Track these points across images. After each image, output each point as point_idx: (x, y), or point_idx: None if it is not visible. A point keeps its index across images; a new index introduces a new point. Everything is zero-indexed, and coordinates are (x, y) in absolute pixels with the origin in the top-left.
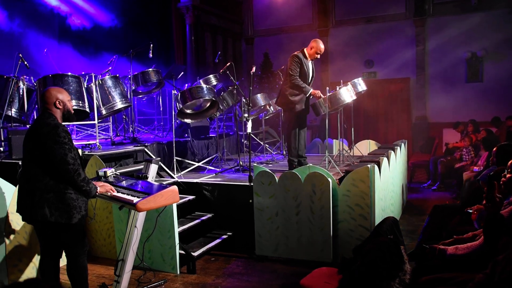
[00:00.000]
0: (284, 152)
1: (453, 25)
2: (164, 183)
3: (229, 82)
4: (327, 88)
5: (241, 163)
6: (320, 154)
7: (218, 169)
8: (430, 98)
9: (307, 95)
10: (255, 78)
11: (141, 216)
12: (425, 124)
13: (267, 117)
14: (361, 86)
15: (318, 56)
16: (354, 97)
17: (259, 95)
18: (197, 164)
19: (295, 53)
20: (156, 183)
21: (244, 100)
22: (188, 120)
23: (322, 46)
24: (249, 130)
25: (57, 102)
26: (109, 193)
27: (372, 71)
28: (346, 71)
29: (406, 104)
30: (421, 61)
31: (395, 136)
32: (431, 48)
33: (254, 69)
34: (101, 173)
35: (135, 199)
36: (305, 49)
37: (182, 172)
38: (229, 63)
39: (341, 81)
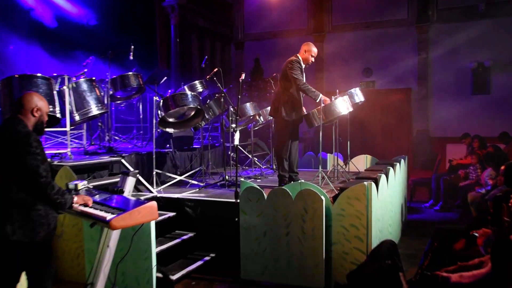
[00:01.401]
0: (274, 166)
1: (459, 32)
2: (142, 198)
3: (216, 89)
4: (337, 91)
5: (227, 177)
6: (313, 170)
7: (201, 184)
8: (433, 111)
9: (317, 101)
10: (244, 86)
11: (114, 235)
12: (427, 138)
13: (256, 128)
14: (359, 96)
15: (313, 60)
16: (351, 109)
17: (248, 104)
18: (179, 178)
19: (293, 58)
20: (133, 198)
21: (231, 109)
22: (170, 130)
23: (315, 49)
24: (236, 141)
25: (35, 109)
26: (84, 206)
27: (371, 81)
28: (342, 80)
29: (407, 117)
30: (424, 71)
31: (394, 151)
32: (434, 57)
33: (243, 76)
34: (71, 186)
35: (108, 216)
36: (298, 55)
37: (162, 186)
38: (216, 69)
39: (337, 91)
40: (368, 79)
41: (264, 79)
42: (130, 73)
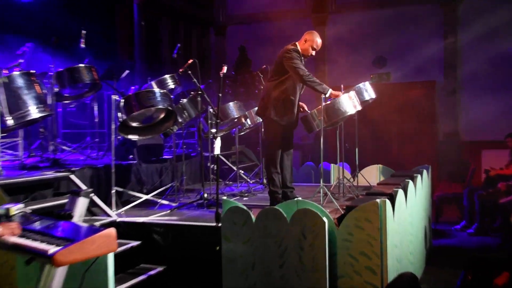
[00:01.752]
0: (265, 181)
1: (497, 10)
2: (97, 224)
3: (192, 86)
4: (342, 87)
5: (205, 195)
6: (313, 184)
7: (174, 204)
8: (464, 109)
9: (327, 96)
10: (227, 81)
11: (60, 273)
12: (456, 143)
13: (242, 133)
14: (369, 92)
15: (313, 53)
16: (359, 107)
17: (231, 104)
18: (145, 197)
19: (290, 46)
20: (85, 225)
21: (211, 110)
22: (134, 137)
23: (319, 41)
24: (217, 150)
25: None
26: (18, 237)
27: (385, 72)
28: (349, 72)
29: (431, 117)
30: (451, 59)
31: (415, 160)
32: (465, 41)
33: (225, 69)
34: (1, 210)
35: (51, 249)
36: (297, 43)
37: (124, 208)
38: (192, 60)
39: (342, 86)
40: (381, 71)
41: (252, 72)
42: (82, 65)
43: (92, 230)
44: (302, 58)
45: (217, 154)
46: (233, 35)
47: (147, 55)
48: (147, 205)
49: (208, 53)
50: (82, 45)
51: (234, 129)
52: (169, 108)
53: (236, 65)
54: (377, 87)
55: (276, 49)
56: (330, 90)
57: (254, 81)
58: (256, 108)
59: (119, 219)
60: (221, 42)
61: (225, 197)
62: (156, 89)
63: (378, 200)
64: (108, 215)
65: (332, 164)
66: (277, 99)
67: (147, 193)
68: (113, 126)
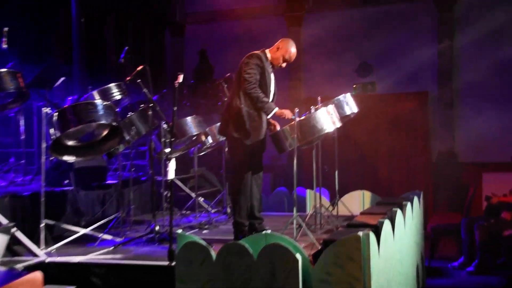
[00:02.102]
0: (229, 210)
1: (500, 8)
2: (20, 266)
3: (142, 97)
4: (296, 110)
5: (157, 228)
6: (286, 214)
7: (118, 239)
8: (462, 124)
9: (269, 116)
10: (185, 91)
11: None
12: (453, 164)
13: (202, 154)
14: (350, 106)
15: (284, 65)
16: (339, 124)
17: (189, 119)
18: (82, 231)
19: (256, 52)
20: (3, 268)
21: (165, 126)
22: (70, 158)
23: (293, 51)
24: (171, 174)
25: None
26: None
27: (370, 82)
28: (327, 82)
29: (423, 134)
30: (447, 66)
31: (404, 185)
32: (463, 45)
33: (181, 78)
34: None
35: None
36: (267, 51)
37: (56, 246)
38: (142, 66)
39: (319, 98)
40: (365, 80)
41: (214, 81)
42: (4, 70)
43: (12, 275)
44: (270, 66)
45: (172, 179)
46: (193, 36)
47: (88, 59)
48: (85, 241)
49: (162, 58)
50: (4, 46)
51: (192, 149)
52: (114, 123)
53: (195, 72)
54: (360, 99)
55: (243, 53)
56: (275, 110)
57: (217, 92)
58: (219, 124)
59: (48, 259)
60: (179, 44)
61: (180, 230)
62: (99, 101)
63: (360, 233)
64: (35, 255)
65: (308, 190)
66: (241, 113)
67: (85, 226)
68: (43, 145)
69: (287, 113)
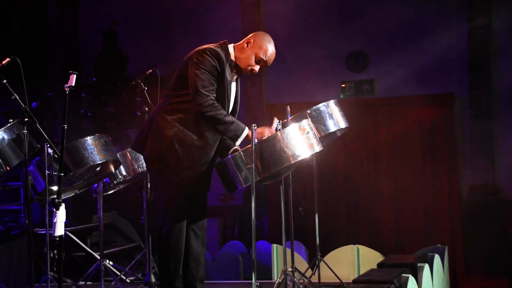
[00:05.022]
0: (153, 278)
1: None
2: None
3: (11, 105)
4: (277, 121)
5: None
6: (241, 282)
7: None
8: (504, 143)
9: (238, 143)
10: (82, 94)
11: None
12: (493, 204)
13: (111, 192)
14: (336, 119)
15: (256, 70)
16: (318, 148)
17: (90, 140)
18: None
19: (211, 46)
20: None
21: (50, 150)
22: None
23: (271, 49)
24: (60, 227)
25: None
26: None
27: (365, 80)
28: (302, 82)
29: (447, 156)
30: (481, 56)
31: (420, 235)
32: (503, 26)
33: (73, 79)
34: None
35: None
36: (231, 46)
37: None
38: (8, 59)
39: (288, 108)
40: (359, 77)
41: (129, 78)
42: None
43: None
44: (233, 71)
45: (61, 235)
46: (94, 8)
47: None
48: None
49: (44, 42)
50: None
51: (95, 185)
52: None
53: (98, 65)
54: (352, 106)
55: (176, 38)
56: (246, 132)
57: (133, 95)
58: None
59: None
60: (70, 20)
61: None
62: None
63: None
64: None
65: (274, 245)
66: (169, 135)
67: None
68: None
69: (269, 134)
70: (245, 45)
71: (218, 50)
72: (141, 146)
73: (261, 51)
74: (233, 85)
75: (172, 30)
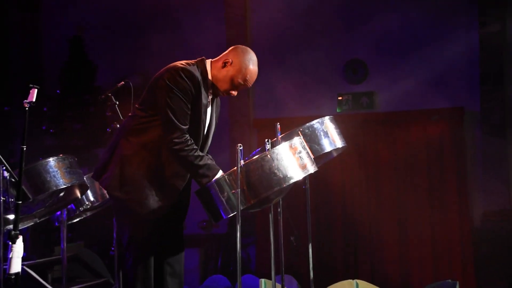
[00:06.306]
0: None
1: None
2: None
3: None
4: (278, 126)
5: None
6: None
7: None
8: None
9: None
10: (44, 108)
11: None
12: (510, 230)
13: (76, 220)
14: (332, 137)
15: (234, 93)
16: (312, 169)
17: (53, 162)
18: None
19: (182, 64)
20: None
21: (6, 174)
22: None
23: (253, 69)
24: (16, 263)
25: None
26: None
27: (365, 92)
28: (294, 94)
29: (456, 178)
30: (494, 65)
31: (427, 268)
32: None
33: (34, 93)
34: None
35: None
36: (208, 62)
37: None
38: None
39: (277, 125)
40: (356, 89)
41: (98, 90)
42: None
43: None
44: (208, 92)
45: (17, 273)
46: (58, 12)
47: None
48: None
49: (3, 49)
50: None
51: (58, 213)
52: None
53: (64, 75)
54: (349, 123)
55: (150, 45)
56: (218, 175)
57: (101, 110)
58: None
59: None
60: (32, 24)
61: None
62: None
63: None
64: None
65: (262, 280)
66: (135, 159)
67: None
68: None
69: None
70: (222, 64)
71: (193, 70)
72: (101, 170)
73: (239, 75)
74: (210, 105)
75: (147, 37)
